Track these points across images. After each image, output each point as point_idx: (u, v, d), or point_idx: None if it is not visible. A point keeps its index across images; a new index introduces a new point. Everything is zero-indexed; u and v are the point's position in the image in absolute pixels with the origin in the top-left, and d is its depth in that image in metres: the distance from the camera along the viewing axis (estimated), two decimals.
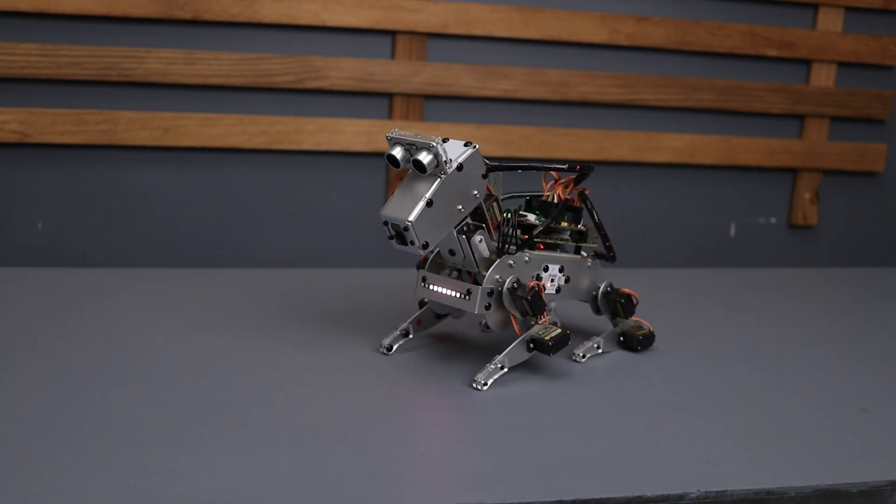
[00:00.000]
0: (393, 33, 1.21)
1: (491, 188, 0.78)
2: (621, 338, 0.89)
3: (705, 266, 1.39)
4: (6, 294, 0.96)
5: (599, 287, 0.88)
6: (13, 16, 1.09)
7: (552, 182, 0.84)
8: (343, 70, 1.18)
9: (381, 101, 1.22)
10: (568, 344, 0.78)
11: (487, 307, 0.78)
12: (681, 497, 0.61)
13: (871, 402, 0.80)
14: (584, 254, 0.86)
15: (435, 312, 0.86)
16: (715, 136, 1.34)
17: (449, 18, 1.20)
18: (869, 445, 0.70)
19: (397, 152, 0.74)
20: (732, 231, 1.40)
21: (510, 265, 0.78)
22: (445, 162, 0.73)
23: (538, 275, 0.81)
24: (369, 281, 1.10)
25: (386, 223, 0.74)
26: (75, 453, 0.60)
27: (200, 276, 1.10)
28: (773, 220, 1.41)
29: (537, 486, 0.60)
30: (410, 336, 0.85)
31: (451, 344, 0.88)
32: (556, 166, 0.82)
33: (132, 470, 0.58)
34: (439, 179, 0.73)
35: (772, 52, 1.33)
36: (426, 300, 0.84)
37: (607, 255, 0.87)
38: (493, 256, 0.78)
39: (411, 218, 0.72)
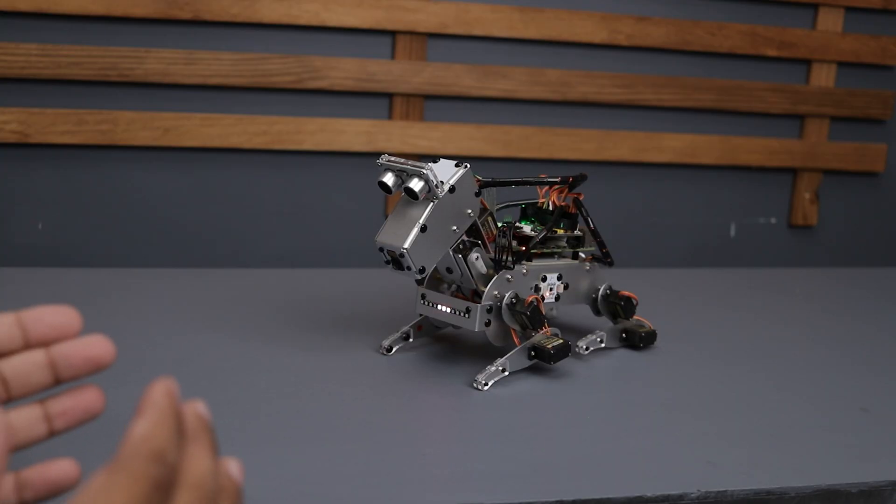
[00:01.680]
0: (393, 33, 1.21)
1: (485, 202, 0.78)
2: (623, 334, 0.89)
3: (705, 266, 1.39)
4: (6, 294, 0.96)
5: (599, 289, 0.88)
6: (13, 16, 1.09)
7: (546, 188, 0.84)
8: (343, 70, 1.18)
9: (381, 101, 1.22)
10: (569, 355, 0.79)
11: (487, 323, 0.78)
12: (681, 497, 0.61)
13: (871, 402, 0.80)
14: (583, 255, 0.86)
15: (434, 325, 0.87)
16: (715, 136, 1.34)
17: (449, 18, 1.20)
18: (869, 445, 0.70)
19: (388, 179, 0.74)
20: (732, 231, 1.40)
21: (508, 280, 0.79)
22: (437, 186, 0.73)
23: (536, 286, 0.81)
24: (369, 281, 1.10)
25: (381, 249, 0.74)
26: (75, 453, 0.60)
27: (200, 276, 1.10)
28: (773, 220, 1.41)
29: (537, 486, 0.60)
30: (411, 339, 0.85)
31: (451, 344, 0.88)
32: (549, 180, 0.83)
33: None
34: (432, 204, 0.73)
35: (772, 52, 1.33)
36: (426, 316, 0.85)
37: (604, 261, 0.87)
38: (491, 272, 0.78)
39: (406, 245, 0.72)
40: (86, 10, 1.09)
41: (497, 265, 0.78)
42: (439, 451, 0.65)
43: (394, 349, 0.84)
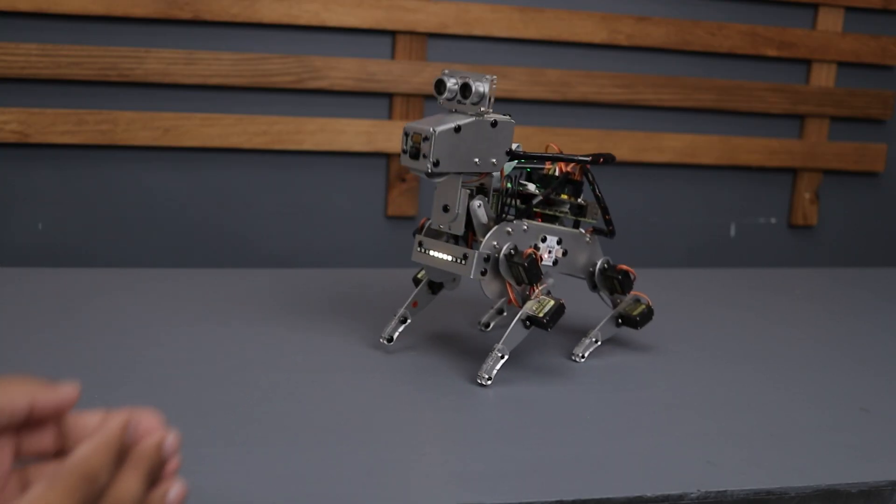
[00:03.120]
0: (393, 33, 1.21)
1: (503, 181, 0.78)
2: (619, 320, 0.88)
3: (705, 266, 1.39)
4: (6, 294, 0.96)
5: (597, 263, 0.86)
6: (13, 16, 1.09)
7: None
8: (343, 70, 1.18)
9: (381, 101, 1.22)
10: (564, 313, 0.77)
11: (483, 273, 0.77)
12: (681, 497, 0.61)
13: (871, 402, 0.80)
14: (583, 230, 0.85)
15: (430, 287, 0.84)
16: (715, 136, 1.34)
17: (449, 18, 1.20)
18: (869, 445, 0.70)
19: (448, 79, 0.76)
20: (732, 231, 1.40)
21: (508, 232, 0.78)
22: (487, 106, 0.75)
23: (536, 245, 0.81)
24: (369, 281, 1.10)
25: (406, 134, 0.74)
26: None
27: (200, 276, 1.10)
28: (773, 220, 1.41)
29: (537, 486, 0.60)
30: (409, 321, 0.84)
31: (452, 344, 0.88)
32: (580, 158, 0.82)
33: None
34: (474, 117, 0.75)
35: (772, 52, 1.33)
36: (422, 266, 0.83)
37: (606, 230, 0.86)
38: (491, 223, 0.78)
39: (438, 129, 0.73)
40: (86, 10, 1.09)
41: (498, 217, 0.78)
42: (439, 451, 0.65)
43: (394, 337, 0.83)
